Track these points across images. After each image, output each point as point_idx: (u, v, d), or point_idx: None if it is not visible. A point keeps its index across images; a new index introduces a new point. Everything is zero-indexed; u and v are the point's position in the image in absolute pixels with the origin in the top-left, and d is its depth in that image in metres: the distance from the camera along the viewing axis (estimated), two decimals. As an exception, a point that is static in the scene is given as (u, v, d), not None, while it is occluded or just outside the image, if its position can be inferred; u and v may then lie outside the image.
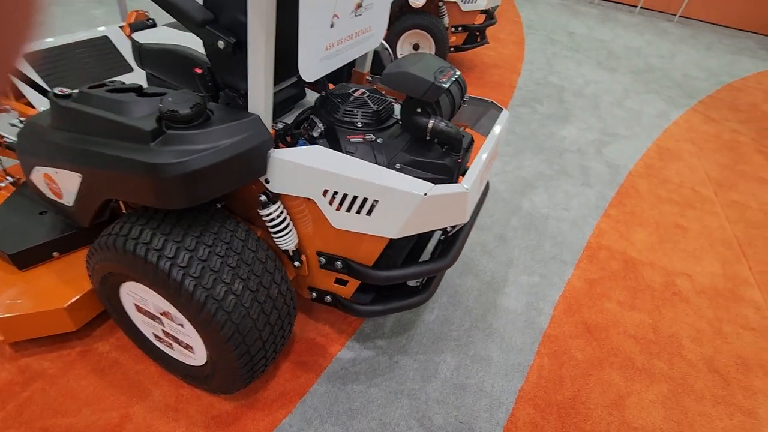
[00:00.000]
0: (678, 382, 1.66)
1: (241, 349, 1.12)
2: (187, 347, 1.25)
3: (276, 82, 1.17)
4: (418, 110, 1.22)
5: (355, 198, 1.12)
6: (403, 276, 1.27)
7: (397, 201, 1.08)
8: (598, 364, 1.67)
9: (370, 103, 1.33)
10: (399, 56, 3.71)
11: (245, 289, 1.11)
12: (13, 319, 1.30)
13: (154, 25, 2.17)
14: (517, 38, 5.36)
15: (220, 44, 1.14)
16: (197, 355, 1.26)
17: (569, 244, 2.25)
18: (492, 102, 1.55)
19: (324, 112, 1.33)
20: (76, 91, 1.19)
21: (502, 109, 1.50)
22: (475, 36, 3.85)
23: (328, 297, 1.43)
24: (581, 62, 4.89)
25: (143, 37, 1.46)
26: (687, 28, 7.33)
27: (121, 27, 2.14)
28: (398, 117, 1.38)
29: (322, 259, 1.34)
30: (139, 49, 1.42)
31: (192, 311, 1.07)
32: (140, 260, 1.06)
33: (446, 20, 3.64)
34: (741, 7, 7.56)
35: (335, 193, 1.13)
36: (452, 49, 3.83)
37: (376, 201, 1.10)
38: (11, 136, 1.64)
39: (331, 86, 1.58)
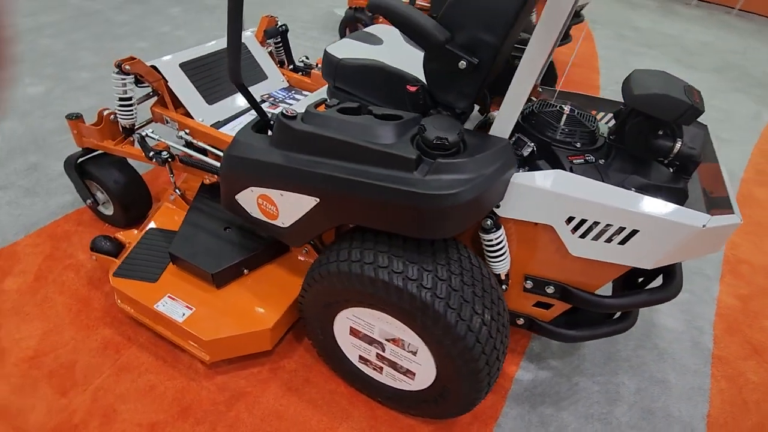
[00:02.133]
0: None
1: (485, 378, 1.10)
2: (407, 373, 1.23)
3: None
4: (660, 132, 1.16)
5: (607, 227, 1.08)
6: (629, 304, 1.22)
7: (663, 232, 1.03)
8: (778, 389, 1.61)
9: (584, 121, 1.27)
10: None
11: (491, 319, 1.08)
12: (222, 341, 1.30)
13: (286, 31, 2.14)
14: (584, 34, 5.21)
15: (462, 64, 1.10)
16: (415, 381, 1.23)
17: (707, 257, 2.18)
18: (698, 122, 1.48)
19: (532, 130, 1.28)
20: (301, 111, 1.17)
21: (705, 126, 1.43)
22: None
23: (521, 319, 1.39)
24: (658, 59, 4.73)
25: (337, 51, 1.42)
26: (749, 21, 7.06)
27: (253, 32, 2.11)
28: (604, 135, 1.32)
29: (529, 283, 1.30)
30: (336, 65, 1.39)
31: (446, 342, 1.04)
32: (393, 289, 1.04)
33: (534, 18, 3.54)
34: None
35: (583, 220, 1.09)
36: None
37: (635, 231, 1.05)
38: (180, 147, 1.63)
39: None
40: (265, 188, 1.21)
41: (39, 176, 2.11)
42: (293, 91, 2.09)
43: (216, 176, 1.58)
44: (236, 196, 1.31)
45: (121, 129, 1.68)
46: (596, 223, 1.08)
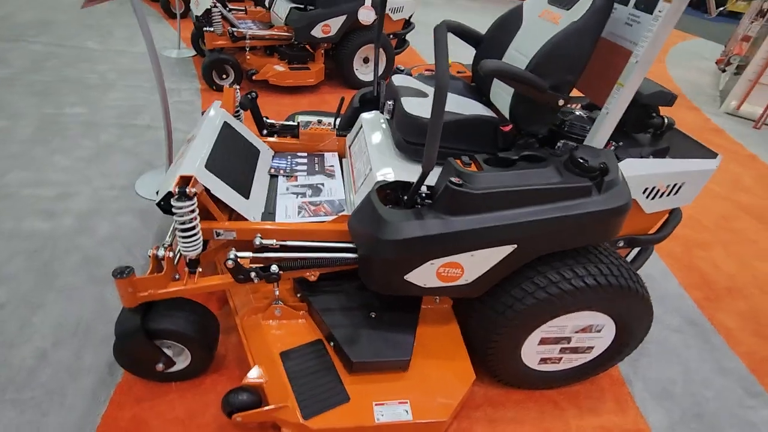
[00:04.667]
0: None
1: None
2: (587, 350, 1.51)
3: None
4: (653, 114, 1.69)
5: (667, 187, 1.56)
6: (663, 236, 1.77)
7: (697, 178, 1.56)
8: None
9: (594, 116, 1.73)
10: (356, 72, 3.87)
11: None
12: (456, 406, 1.33)
13: (256, 97, 1.98)
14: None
15: (561, 102, 1.40)
16: (594, 351, 1.52)
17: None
18: None
19: (568, 134, 1.66)
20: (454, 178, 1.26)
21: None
22: (403, 41, 4.26)
23: None
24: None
25: (413, 109, 1.49)
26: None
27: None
28: None
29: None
30: (424, 126, 1.47)
31: (627, 303, 1.37)
32: (589, 289, 1.30)
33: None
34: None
35: (653, 188, 1.55)
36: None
37: (684, 183, 1.57)
38: (253, 255, 1.42)
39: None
40: (450, 257, 1.28)
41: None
42: (289, 156, 1.99)
43: (317, 270, 1.46)
44: (406, 276, 1.32)
45: (187, 263, 1.36)
46: (662, 187, 1.55)
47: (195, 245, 1.33)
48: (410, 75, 1.89)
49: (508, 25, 1.70)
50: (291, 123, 2.12)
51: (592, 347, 1.51)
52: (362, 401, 1.29)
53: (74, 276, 1.84)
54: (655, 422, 1.59)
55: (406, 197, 1.45)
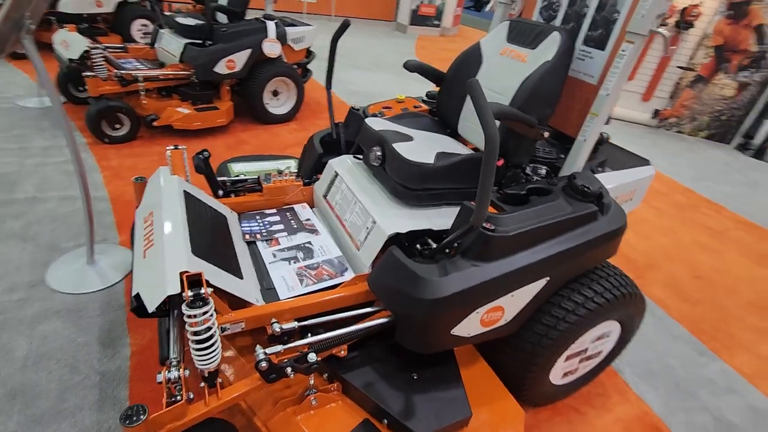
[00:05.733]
0: None
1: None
2: (598, 354, 1.64)
3: None
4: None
5: (629, 192, 1.78)
6: None
7: (645, 182, 1.82)
8: None
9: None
10: (266, 106, 3.65)
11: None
12: None
13: (209, 157, 1.75)
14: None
15: (546, 134, 1.51)
16: (603, 353, 1.65)
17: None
18: None
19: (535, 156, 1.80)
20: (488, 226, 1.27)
21: None
22: (306, 71, 4.16)
23: None
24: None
25: (414, 157, 1.46)
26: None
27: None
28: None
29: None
30: (427, 170, 1.44)
31: (634, 306, 1.51)
32: (610, 304, 1.42)
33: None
34: None
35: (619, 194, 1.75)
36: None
37: (636, 189, 1.80)
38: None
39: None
40: (493, 302, 1.27)
41: None
42: (258, 216, 1.79)
43: (345, 345, 1.33)
44: (452, 331, 1.28)
45: (204, 378, 1.11)
46: (624, 197, 1.77)
47: (215, 356, 1.10)
48: (383, 116, 1.85)
49: (469, 62, 1.77)
50: (245, 178, 1.91)
51: (601, 351, 1.65)
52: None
53: (3, 423, 1.39)
54: (651, 402, 1.80)
55: (428, 248, 1.42)
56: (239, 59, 3.28)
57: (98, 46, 2.84)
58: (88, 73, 2.82)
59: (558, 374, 1.58)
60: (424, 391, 1.34)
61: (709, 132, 5.33)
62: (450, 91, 1.83)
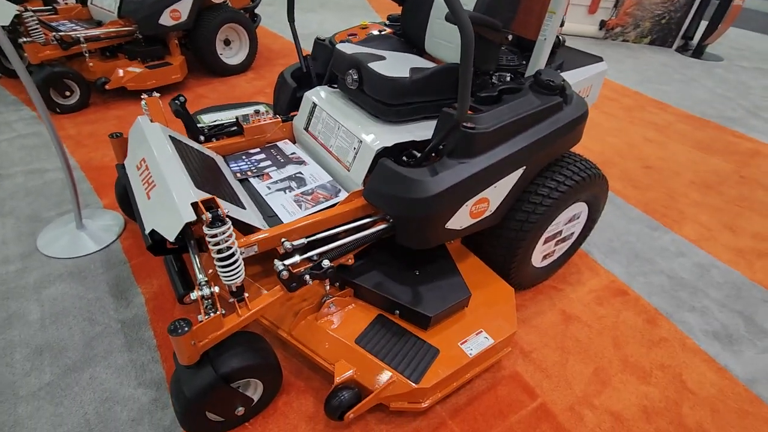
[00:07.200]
0: None
1: None
2: (570, 236, 1.85)
3: None
4: None
5: (587, 88, 1.93)
6: None
7: (599, 77, 1.97)
8: None
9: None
10: (221, 56, 3.52)
11: None
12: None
13: (185, 101, 1.76)
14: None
15: (509, 37, 1.60)
16: (575, 235, 1.88)
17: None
18: None
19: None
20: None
21: None
22: (254, 15, 3.99)
23: None
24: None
25: (389, 73, 1.52)
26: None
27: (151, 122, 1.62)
28: None
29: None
30: (409, 84, 1.51)
31: (598, 186, 1.71)
32: (579, 183, 1.61)
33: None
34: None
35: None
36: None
37: (593, 84, 1.96)
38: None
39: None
40: (479, 194, 1.42)
41: None
42: (243, 156, 1.84)
43: (352, 253, 1.46)
44: (447, 225, 1.43)
45: (232, 292, 1.22)
46: (583, 92, 1.92)
47: (239, 271, 1.21)
48: (351, 42, 1.88)
49: None
50: (224, 121, 1.93)
51: (573, 232, 1.87)
52: (450, 347, 1.41)
53: (38, 377, 1.47)
54: (617, 272, 2.07)
55: (416, 155, 1.53)
56: (183, 7, 3.11)
57: (29, 9, 2.63)
58: (25, 39, 2.62)
59: (538, 257, 1.79)
60: (427, 282, 1.51)
61: (652, 37, 5.56)
62: (415, 8, 1.87)
